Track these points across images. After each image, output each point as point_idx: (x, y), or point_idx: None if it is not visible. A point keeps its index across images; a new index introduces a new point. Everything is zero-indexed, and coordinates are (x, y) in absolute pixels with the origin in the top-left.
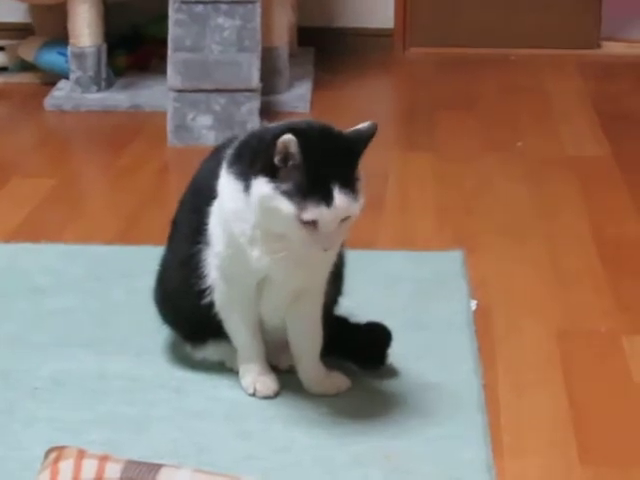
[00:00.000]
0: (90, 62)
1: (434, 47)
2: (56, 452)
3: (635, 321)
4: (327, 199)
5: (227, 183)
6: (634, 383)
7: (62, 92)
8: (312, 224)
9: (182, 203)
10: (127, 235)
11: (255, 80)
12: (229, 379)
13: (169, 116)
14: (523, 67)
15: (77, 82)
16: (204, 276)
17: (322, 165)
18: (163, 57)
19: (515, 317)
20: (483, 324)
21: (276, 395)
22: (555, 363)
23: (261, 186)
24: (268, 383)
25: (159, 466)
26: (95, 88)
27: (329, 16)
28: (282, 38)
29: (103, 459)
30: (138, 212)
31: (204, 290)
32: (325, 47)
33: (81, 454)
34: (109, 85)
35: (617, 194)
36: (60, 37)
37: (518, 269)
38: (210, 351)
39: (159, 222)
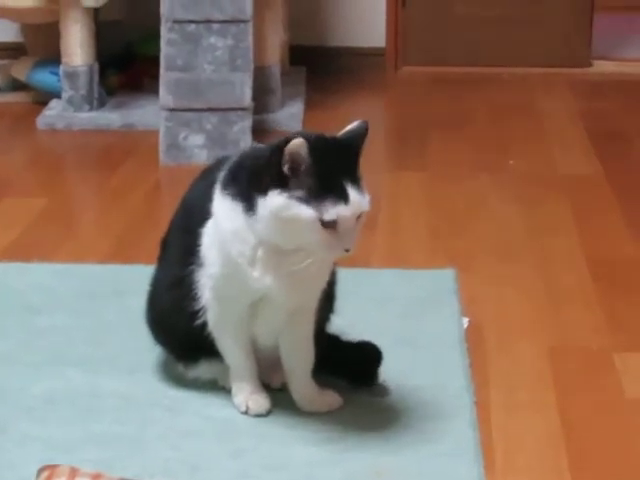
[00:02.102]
0: (82, 81)
1: (426, 66)
2: (48, 470)
3: (626, 339)
4: (343, 197)
5: (223, 204)
6: (625, 400)
7: (54, 111)
8: (331, 225)
9: (172, 224)
10: (119, 254)
11: (247, 99)
12: (221, 398)
13: (161, 135)
14: (515, 86)
15: (69, 101)
16: (197, 297)
17: (331, 165)
18: (155, 76)
19: (507, 335)
20: (475, 341)
21: (268, 413)
22: (547, 381)
23: (274, 199)
24: (260, 401)
25: None
26: (87, 107)
27: (321, 35)
28: (274, 57)
29: (96, 477)
30: (130, 231)
31: (197, 311)
32: (317, 66)
33: (73, 472)
34: (101, 104)
35: (608, 213)
36: (52, 56)
37: (510, 288)
38: (202, 370)
39: (151, 241)
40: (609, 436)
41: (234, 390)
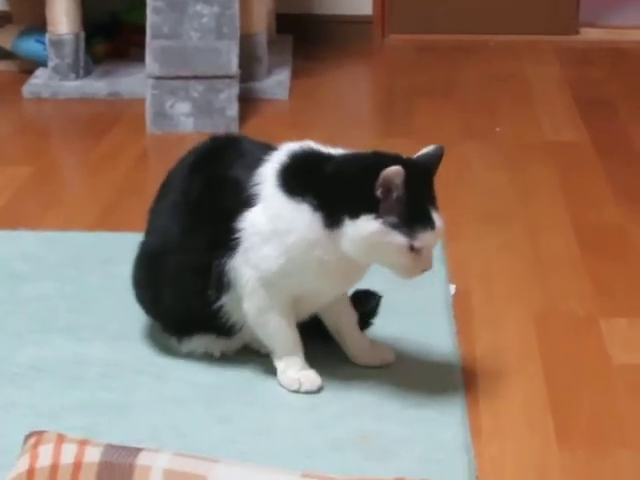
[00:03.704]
0: (68, 50)
1: (413, 34)
2: (35, 437)
3: (613, 304)
4: (430, 224)
5: (298, 212)
6: (611, 365)
7: (40, 80)
8: (417, 250)
9: (190, 203)
10: (106, 222)
11: (234, 67)
12: (208, 364)
13: (148, 103)
14: (502, 53)
15: (55, 70)
16: (226, 285)
17: (418, 191)
18: (142, 44)
19: (494, 301)
20: (462, 308)
21: (320, 390)
22: (533, 347)
23: (367, 224)
24: (312, 377)
25: (138, 450)
26: (73, 76)
27: (308, 3)
28: (261, 25)
29: (83, 443)
30: (117, 199)
31: (218, 297)
32: (304, 34)
33: (61, 439)
34: (87, 73)
35: (595, 179)
36: (38, 25)
37: (497, 254)
38: (197, 343)
39: (138, 209)
40: (595, 401)
41: (282, 368)
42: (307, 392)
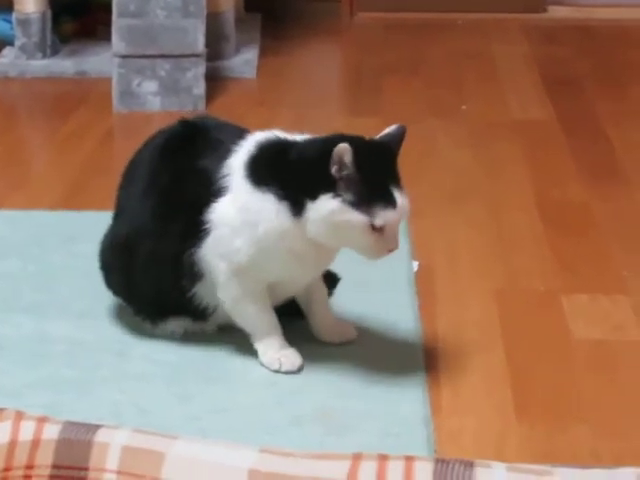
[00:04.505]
0: (35, 28)
1: (382, 12)
2: None
3: (574, 281)
4: (391, 202)
5: (263, 203)
6: (572, 340)
7: (7, 59)
8: (379, 229)
9: (162, 192)
10: (71, 201)
11: (200, 45)
12: (171, 343)
13: (114, 82)
14: (470, 31)
15: (22, 49)
16: (197, 276)
17: (375, 170)
18: (109, 23)
19: (456, 277)
20: (425, 284)
21: (300, 370)
22: (495, 322)
23: (327, 203)
24: (292, 357)
25: (97, 427)
26: (40, 55)
27: None
28: (228, 3)
29: (41, 420)
30: (83, 178)
31: (191, 286)
32: (272, 12)
33: (19, 416)
34: (55, 52)
35: (560, 157)
36: (5, 4)
37: (461, 231)
38: (173, 325)
39: (103, 187)
40: (555, 376)
41: (262, 349)
42: (288, 372)
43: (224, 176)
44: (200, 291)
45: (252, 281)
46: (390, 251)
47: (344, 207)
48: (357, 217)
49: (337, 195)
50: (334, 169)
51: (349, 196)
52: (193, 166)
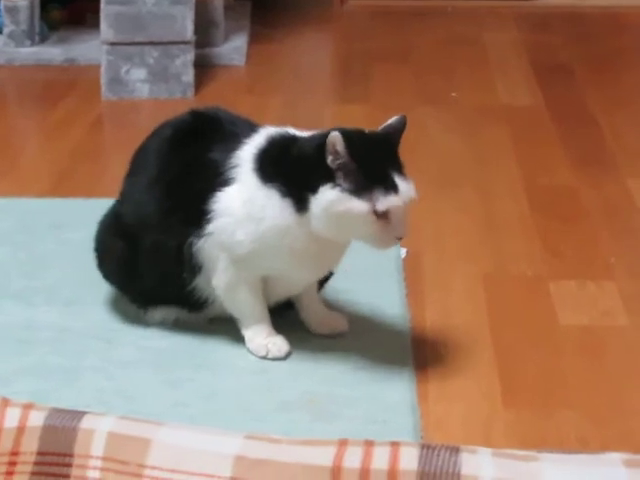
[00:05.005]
0: (23, 16)
1: (372, 0)
2: None
3: (561, 266)
4: (392, 187)
5: (269, 200)
6: (559, 326)
7: None
8: (384, 216)
9: (170, 184)
10: (60, 188)
11: (189, 32)
12: (159, 329)
13: (103, 69)
14: (460, 19)
15: (10, 36)
16: (197, 266)
17: (374, 158)
18: (98, 11)
19: (444, 263)
20: (413, 271)
21: (287, 356)
22: (482, 308)
23: (327, 194)
24: (279, 344)
25: (82, 413)
26: (29, 42)
27: None
28: None
29: (27, 407)
30: (71, 165)
31: (194, 279)
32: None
33: (5, 402)
34: (43, 39)
35: (548, 143)
36: None
37: (449, 216)
38: (165, 312)
39: (92, 175)
40: (542, 362)
41: (249, 336)
42: (275, 359)
43: (232, 167)
44: (200, 283)
45: (249, 270)
46: (399, 239)
47: (344, 196)
48: (358, 204)
49: (336, 185)
50: (330, 159)
51: (348, 184)
52: (202, 158)
